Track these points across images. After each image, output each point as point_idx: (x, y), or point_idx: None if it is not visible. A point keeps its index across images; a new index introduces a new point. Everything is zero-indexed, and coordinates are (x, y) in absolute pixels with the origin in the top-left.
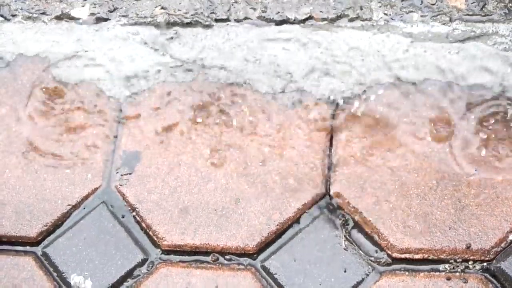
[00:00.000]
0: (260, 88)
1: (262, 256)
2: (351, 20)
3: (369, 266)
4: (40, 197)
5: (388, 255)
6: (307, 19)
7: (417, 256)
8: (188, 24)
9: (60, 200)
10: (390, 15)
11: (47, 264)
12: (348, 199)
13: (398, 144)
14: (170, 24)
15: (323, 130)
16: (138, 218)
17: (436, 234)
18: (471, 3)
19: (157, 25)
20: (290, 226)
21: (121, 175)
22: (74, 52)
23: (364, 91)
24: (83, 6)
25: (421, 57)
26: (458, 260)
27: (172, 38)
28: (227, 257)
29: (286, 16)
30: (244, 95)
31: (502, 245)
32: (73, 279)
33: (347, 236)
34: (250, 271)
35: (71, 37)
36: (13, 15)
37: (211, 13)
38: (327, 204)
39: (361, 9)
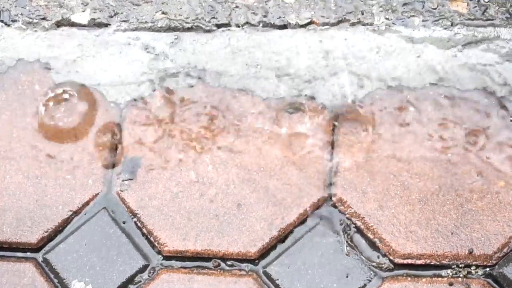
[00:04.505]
0: (261, 93)
1: (264, 262)
2: (353, 24)
3: (371, 272)
4: (41, 203)
5: (390, 261)
6: (308, 23)
7: (419, 262)
8: (189, 29)
9: (61, 206)
10: (391, 19)
11: (48, 271)
12: (350, 204)
13: (400, 149)
14: (171, 29)
15: (324, 134)
16: (139, 224)
17: (438, 240)
18: (473, 8)
19: (158, 30)
20: (292, 231)
21: (122, 180)
22: (74, 57)
23: (366, 95)
24: (83, 11)
25: (422, 62)
26: (460, 266)
27: (173, 43)
28: (229, 263)
29: (287, 21)
30: (245, 100)
31: (505, 250)
32: (74, 285)
33: (349, 242)
34: (251, 276)
35: (72, 43)
36: (14, 21)
37: (212, 18)
38: (329, 209)
39: (362, 13)
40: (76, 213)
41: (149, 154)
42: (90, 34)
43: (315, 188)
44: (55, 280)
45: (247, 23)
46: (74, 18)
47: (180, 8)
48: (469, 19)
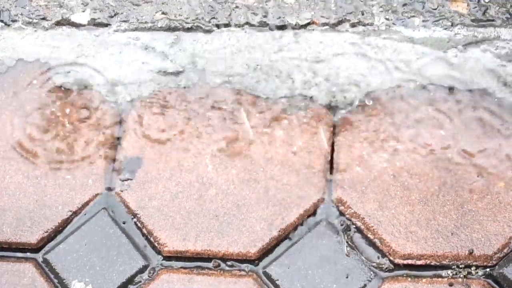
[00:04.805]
0: (261, 93)
1: (264, 262)
2: (353, 25)
3: (372, 272)
4: (41, 203)
5: (391, 261)
6: (308, 24)
7: (419, 262)
8: (189, 29)
9: (61, 206)
10: (391, 20)
11: (48, 271)
12: (350, 204)
13: (400, 149)
14: (171, 29)
15: (324, 135)
16: (139, 224)
17: (438, 240)
18: (473, 8)
19: (157, 30)
20: (292, 231)
21: (122, 180)
22: (74, 58)
23: (366, 96)
24: (83, 11)
25: (422, 62)
26: (460, 266)
27: (173, 43)
28: (229, 263)
29: (287, 21)
30: (245, 100)
31: (505, 251)
32: (74, 285)
33: (349, 242)
34: (251, 277)
35: (72, 43)
36: (13, 21)
37: (212, 18)
38: (329, 210)
39: (363, 14)
40: (76, 213)
41: (149, 154)
42: (90, 34)
43: (315, 189)
44: (55, 280)
45: (247, 23)
46: (74, 18)
47: (180, 8)
48: (469, 19)
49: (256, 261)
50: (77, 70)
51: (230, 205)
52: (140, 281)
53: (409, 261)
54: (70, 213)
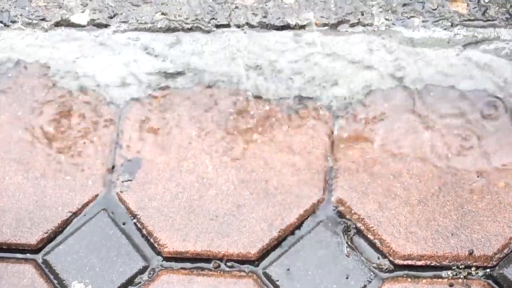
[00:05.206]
0: (261, 94)
1: (264, 263)
2: (352, 25)
3: (372, 273)
4: (41, 204)
5: (391, 262)
6: (308, 24)
7: (419, 263)
8: (189, 30)
9: (60, 207)
10: (391, 20)
11: (47, 272)
12: (350, 205)
13: (400, 150)
14: (170, 30)
15: (324, 135)
16: (139, 225)
17: (438, 240)
18: (473, 8)
19: (157, 31)
20: (292, 232)
21: (122, 181)
22: (74, 58)
23: (366, 96)
24: (82, 12)
25: (422, 63)
26: (460, 267)
27: (172, 43)
28: (229, 264)
29: (287, 21)
30: (245, 101)
31: (505, 251)
32: (74, 286)
33: (349, 243)
34: (252, 278)
35: (71, 43)
36: (13, 21)
37: (211, 18)
38: (329, 210)
39: (362, 14)
40: (75, 214)
41: (148, 155)
42: (90, 35)
43: (315, 189)
44: (55, 281)
45: (247, 23)
46: (74, 19)
47: (180, 9)
48: (469, 19)
49: (256, 262)
50: (77, 70)
51: (230, 205)
52: (140, 282)
53: (409, 262)
54: (70, 214)
